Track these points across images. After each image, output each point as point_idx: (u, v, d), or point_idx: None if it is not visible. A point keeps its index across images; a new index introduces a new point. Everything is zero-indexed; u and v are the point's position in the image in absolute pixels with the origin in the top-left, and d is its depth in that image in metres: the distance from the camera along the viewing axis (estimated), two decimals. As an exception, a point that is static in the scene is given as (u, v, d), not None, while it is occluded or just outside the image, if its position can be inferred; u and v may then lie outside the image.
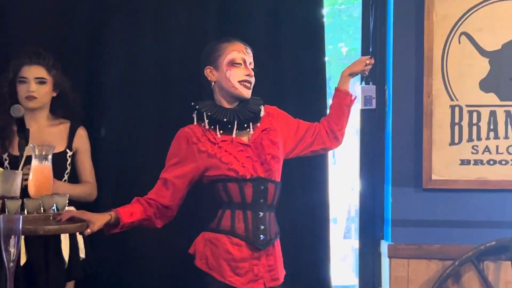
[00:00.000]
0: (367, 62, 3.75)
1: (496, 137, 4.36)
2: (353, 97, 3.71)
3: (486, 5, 4.34)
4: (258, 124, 3.39)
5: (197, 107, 3.36)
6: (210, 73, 3.35)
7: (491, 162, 4.37)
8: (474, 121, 4.37)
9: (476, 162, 4.37)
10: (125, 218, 3.25)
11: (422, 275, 4.33)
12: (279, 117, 3.51)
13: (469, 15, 4.34)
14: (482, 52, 4.37)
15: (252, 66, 3.39)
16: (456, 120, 4.38)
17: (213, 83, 3.36)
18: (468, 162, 4.37)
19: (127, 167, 4.43)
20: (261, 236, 3.30)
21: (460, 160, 4.37)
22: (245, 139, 3.38)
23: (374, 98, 4.55)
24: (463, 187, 4.36)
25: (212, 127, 3.34)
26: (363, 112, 4.60)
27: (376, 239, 4.58)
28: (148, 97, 4.46)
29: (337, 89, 3.73)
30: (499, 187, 4.33)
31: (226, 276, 3.29)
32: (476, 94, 4.36)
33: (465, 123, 4.37)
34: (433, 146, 4.36)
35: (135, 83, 4.46)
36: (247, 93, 3.35)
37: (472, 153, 4.36)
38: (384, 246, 4.43)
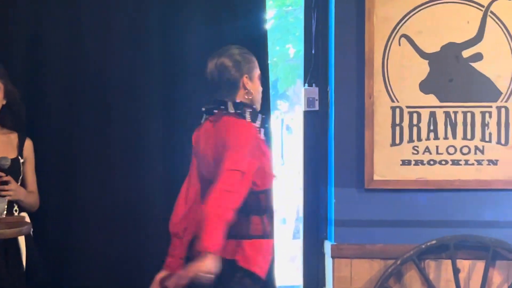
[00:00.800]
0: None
1: (436, 137, 4.45)
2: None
3: (425, 7, 4.42)
4: None
5: (254, 106, 3.54)
6: (247, 82, 3.54)
7: (431, 162, 4.45)
8: (415, 122, 4.45)
9: (416, 163, 4.45)
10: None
11: (365, 274, 4.40)
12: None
13: (409, 18, 4.42)
14: (421, 54, 4.45)
15: None
16: (397, 121, 4.46)
17: (243, 90, 3.55)
18: (409, 162, 4.45)
19: (66, 176, 4.46)
20: None
21: (401, 160, 4.45)
22: None
23: (317, 100, 4.61)
24: (404, 187, 4.44)
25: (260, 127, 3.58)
26: (306, 113, 4.65)
27: (320, 239, 4.64)
28: (87, 103, 4.50)
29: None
30: (439, 187, 4.42)
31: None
32: (416, 95, 4.44)
33: (405, 124, 4.45)
34: (375, 147, 4.43)
35: (75, 94, 4.49)
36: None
37: (413, 153, 4.44)
38: (327, 246, 4.49)
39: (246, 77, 3.54)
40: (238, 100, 3.54)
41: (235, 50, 3.60)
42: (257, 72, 3.59)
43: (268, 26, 7.72)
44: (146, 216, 4.47)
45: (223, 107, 3.51)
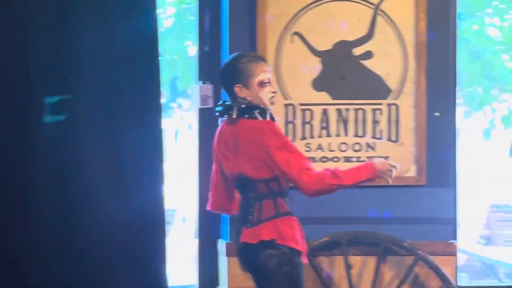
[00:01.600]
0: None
1: (328, 135, 4.50)
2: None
3: (317, 5, 4.47)
4: None
5: (261, 106, 3.70)
6: (240, 91, 3.69)
7: (324, 160, 4.50)
8: (307, 119, 4.49)
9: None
10: None
11: (259, 272, 4.41)
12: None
13: (301, 15, 4.46)
14: (314, 51, 4.50)
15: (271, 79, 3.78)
16: (290, 119, 4.50)
17: (242, 99, 3.70)
18: (302, 159, 4.48)
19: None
20: None
21: (294, 158, 4.48)
22: None
23: (211, 97, 4.61)
24: (298, 185, 4.46)
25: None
26: (201, 111, 4.64)
27: (215, 238, 4.63)
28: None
29: None
30: (332, 183, 4.46)
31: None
32: (309, 93, 4.49)
33: (298, 121, 4.49)
34: (268, 144, 4.45)
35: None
36: (272, 107, 3.75)
37: (306, 150, 4.48)
38: (222, 244, 4.49)
39: (238, 87, 3.70)
40: (243, 106, 3.71)
41: (232, 60, 3.78)
42: (256, 79, 3.69)
43: (168, 23, 7.74)
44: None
45: (230, 112, 3.72)
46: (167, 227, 9.33)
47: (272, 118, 3.74)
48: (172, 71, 7.59)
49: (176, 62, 7.50)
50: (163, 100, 9.10)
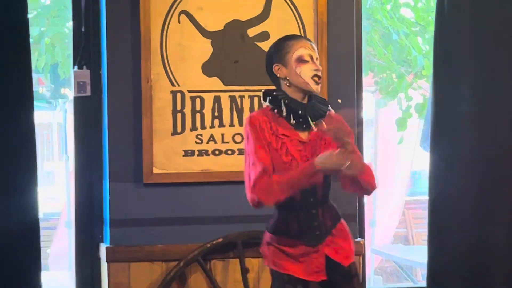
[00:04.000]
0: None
1: (221, 125, 4.49)
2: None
3: (207, -19, 4.45)
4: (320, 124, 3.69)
5: (274, 93, 3.70)
6: (278, 70, 3.70)
7: (217, 153, 4.49)
8: (198, 108, 4.47)
9: (200, 153, 4.47)
10: None
11: (145, 279, 4.38)
12: (339, 120, 3.74)
13: (189, -8, 4.44)
14: (203, 32, 4.47)
15: (319, 61, 3.75)
16: (178, 107, 4.46)
17: (282, 80, 3.70)
18: (192, 153, 4.46)
19: None
20: (316, 233, 3.68)
21: (183, 151, 4.46)
22: (303, 136, 3.69)
23: (88, 84, 4.54)
24: (188, 180, 4.46)
25: (287, 115, 3.65)
26: (77, 100, 4.57)
27: (95, 242, 4.57)
28: None
29: None
30: (225, 179, 4.46)
31: (288, 268, 3.68)
32: (199, 78, 4.47)
33: (188, 110, 4.46)
34: (154, 136, 4.41)
35: None
36: (316, 88, 3.70)
37: (197, 143, 4.46)
38: (103, 249, 4.43)
39: (277, 66, 3.71)
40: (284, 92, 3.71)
41: (274, 42, 3.78)
42: (294, 54, 3.68)
43: (46, 2, 7.57)
44: None
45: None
46: (50, 232, 9.21)
47: (289, 115, 3.62)
48: (52, 57, 7.44)
49: (53, 47, 7.35)
50: (44, 90, 8.99)
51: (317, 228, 3.68)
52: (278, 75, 3.71)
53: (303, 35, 4.53)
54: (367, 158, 9.20)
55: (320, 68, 3.71)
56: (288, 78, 3.69)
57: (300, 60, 3.67)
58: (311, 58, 3.69)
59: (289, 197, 3.58)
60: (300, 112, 3.66)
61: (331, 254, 3.69)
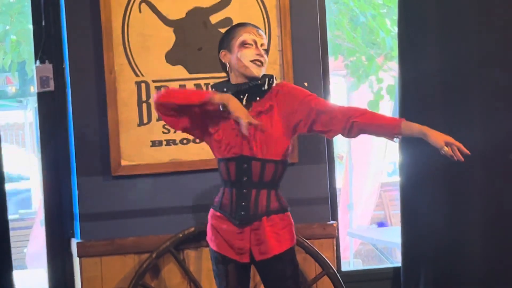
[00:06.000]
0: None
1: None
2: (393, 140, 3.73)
3: (166, -31, 4.41)
4: (258, 100, 3.72)
5: (210, 85, 3.84)
6: (224, 56, 3.76)
7: (185, 142, 4.45)
8: (163, 97, 4.42)
9: (168, 143, 4.43)
10: None
11: (117, 273, 4.35)
12: (289, 93, 3.78)
13: (148, -19, 4.39)
14: (165, 21, 4.43)
15: (264, 47, 3.76)
16: (144, 98, 4.42)
17: (228, 66, 3.76)
18: (159, 143, 4.42)
19: None
20: (242, 212, 3.69)
21: (151, 141, 4.42)
22: None
23: (51, 78, 4.50)
24: (157, 171, 4.42)
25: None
26: (41, 95, 4.53)
27: (66, 238, 4.53)
28: None
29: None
30: (194, 167, 4.43)
31: (217, 246, 3.75)
32: (163, 67, 4.43)
33: (153, 100, 4.41)
34: (120, 127, 4.37)
35: None
36: (257, 72, 3.71)
37: (164, 132, 4.42)
38: (74, 244, 4.39)
39: (223, 52, 3.77)
40: (230, 78, 3.81)
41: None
42: (238, 39, 3.72)
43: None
44: None
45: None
46: (26, 232, 9.15)
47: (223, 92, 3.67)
48: (18, 55, 7.38)
49: (21, 44, 7.28)
50: (13, 89, 8.91)
51: (243, 208, 3.70)
52: (223, 61, 3.76)
53: (265, 19, 4.50)
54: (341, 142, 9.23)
55: (262, 52, 3.72)
56: (232, 63, 3.73)
57: (243, 45, 3.71)
58: (255, 43, 3.72)
59: (179, 104, 3.66)
60: (225, 89, 3.72)
61: (255, 252, 3.71)
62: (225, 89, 3.73)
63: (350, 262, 8.82)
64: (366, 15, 8.07)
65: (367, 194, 9.26)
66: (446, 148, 3.62)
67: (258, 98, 3.72)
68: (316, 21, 4.60)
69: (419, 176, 4.74)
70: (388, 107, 8.76)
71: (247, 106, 3.70)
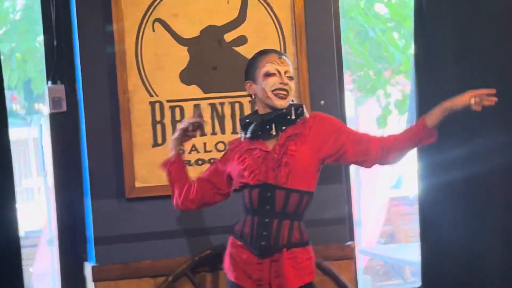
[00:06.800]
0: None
1: (203, 133, 4.37)
2: (432, 139, 3.67)
3: (179, -13, 4.35)
4: (284, 130, 3.67)
5: (239, 119, 3.95)
6: (250, 87, 3.73)
7: (200, 162, 4.39)
8: (177, 117, 4.38)
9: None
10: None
11: (134, 296, 4.29)
12: (321, 123, 3.72)
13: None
14: (179, 40, 4.37)
15: (289, 74, 3.69)
16: (158, 118, 4.36)
17: (253, 97, 3.73)
18: (174, 164, 4.35)
19: None
20: (262, 242, 3.61)
21: (165, 162, 4.35)
22: (270, 144, 3.69)
23: (64, 99, 4.44)
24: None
25: (244, 133, 3.74)
26: (53, 116, 4.47)
27: (79, 261, 4.47)
28: None
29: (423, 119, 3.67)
30: (210, 189, 4.35)
31: (236, 277, 3.68)
32: (177, 87, 4.37)
33: (167, 120, 4.36)
34: (134, 149, 4.31)
35: None
36: (279, 103, 3.67)
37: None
38: (88, 268, 4.33)
39: (248, 83, 3.74)
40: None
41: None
42: (262, 70, 3.68)
43: (16, 17, 7.46)
44: None
45: None
46: (32, 250, 9.10)
47: (245, 132, 3.70)
48: (24, 73, 7.34)
49: (25, 62, 7.25)
50: (18, 107, 8.86)
51: (264, 238, 3.62)
52: (249, 92, 3.74)
53: (281, 37, 4.44)
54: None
55: (286, 81, 3.66)
56: (257, 94, 3.70)
57: (266, 75, 3.67)
58: (279, 72, 3.67)
59: (172, 193, 3.80)
60: (247, 120, 3.72)
61: (274, 284, 3.64)
62: (247, 120, 3.71)
63: (359, 279, 8.74)
64: (374, 29, 8.03)
65: (376, 210, 9.21)
66: (473, 101, 3.56)
67: (284, 128, 3.67)
68: (332, 38, 4.54)
69: (439, 188, 4.62)
70: (396, 121, 8.73)
71: (276, 136, 3.66)
